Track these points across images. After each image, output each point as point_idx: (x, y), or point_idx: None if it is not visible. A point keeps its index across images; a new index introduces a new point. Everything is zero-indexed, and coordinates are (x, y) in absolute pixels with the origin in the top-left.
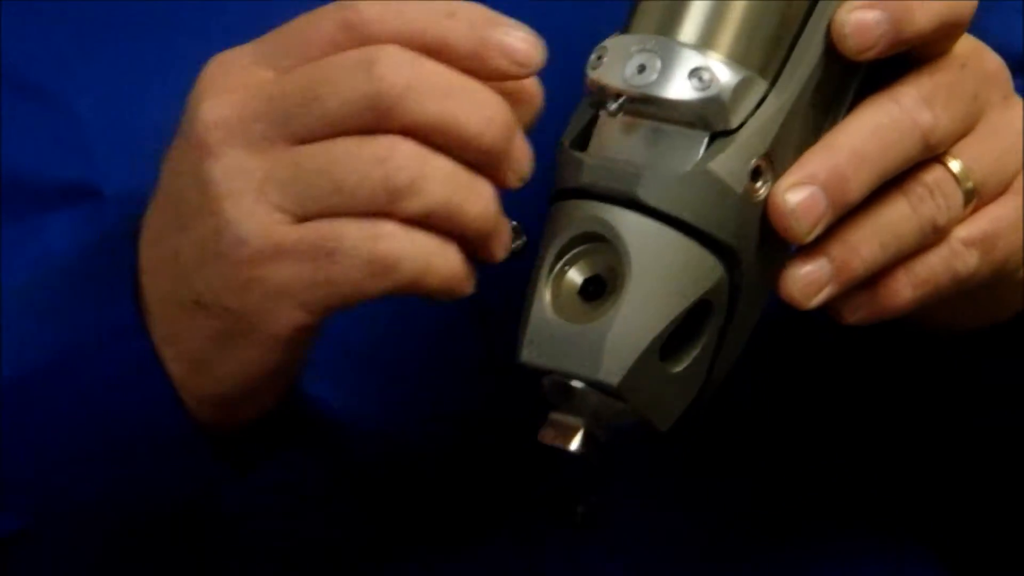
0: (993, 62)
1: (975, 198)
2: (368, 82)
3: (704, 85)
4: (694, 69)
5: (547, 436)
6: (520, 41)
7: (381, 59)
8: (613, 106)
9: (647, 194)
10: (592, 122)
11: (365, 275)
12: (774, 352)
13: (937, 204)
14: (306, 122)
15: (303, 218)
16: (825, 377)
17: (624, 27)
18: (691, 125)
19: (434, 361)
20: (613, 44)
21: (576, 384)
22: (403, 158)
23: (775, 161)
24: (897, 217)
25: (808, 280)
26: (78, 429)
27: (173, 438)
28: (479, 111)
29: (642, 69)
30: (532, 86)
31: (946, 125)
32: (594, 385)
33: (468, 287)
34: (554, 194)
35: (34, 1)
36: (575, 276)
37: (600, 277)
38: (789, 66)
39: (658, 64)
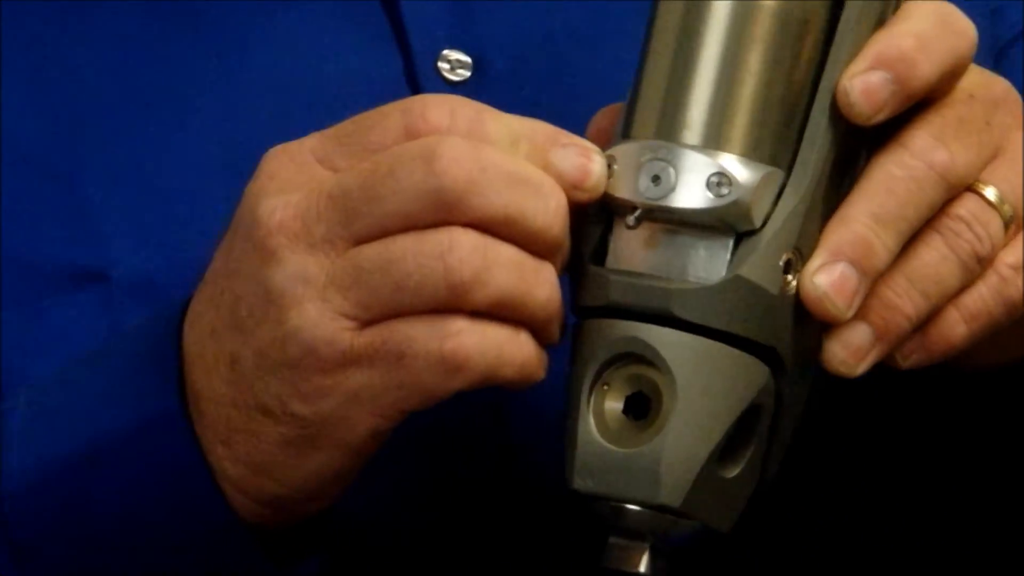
0: (1000, 86)
1: (1014, 221)
2: (429, 177)
3: (723, 191)
4: (711, 175)
5: (612, 561)
6: (574, 168)
7: (442, 152)
8: (631, 219)
9: (682, 309)
10: (606, 232)
11: (437, 375)
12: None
13: (976, 235)
14: (368, 222)
15: (369, 321)
16: (869, 441)
17: (624, 129)
18: (714, 230)
19: (449, 454)
20: (621, 153)
21: (635, 507)
22: (464, 250)
23: (803, 249)
24: (935, 259)
25: (850, 351)
26: (117, 520)
27: (218, 537)
28: (545, 203)
29: (656, 180)
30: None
31: (964, 159)
32: (656, 508)
33: (542, 372)
34: (580, 310)
35: (41, 72)
36: (616, 396)
37: (643, 395)
38: (803, 149)
39: (672, 174)
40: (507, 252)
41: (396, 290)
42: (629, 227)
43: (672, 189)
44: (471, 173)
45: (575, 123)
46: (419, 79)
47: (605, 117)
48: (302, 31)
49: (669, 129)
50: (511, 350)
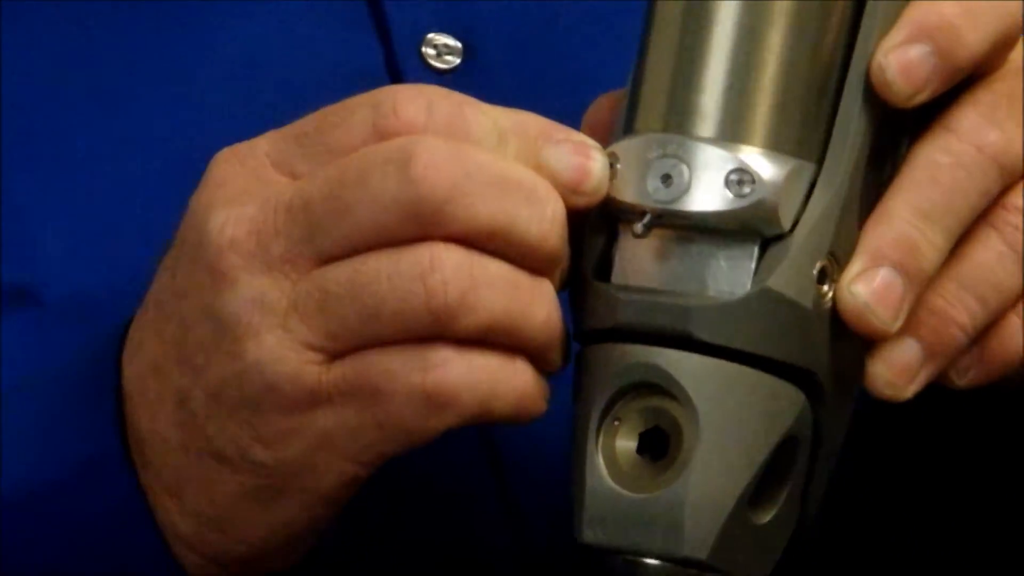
0: None
1: None
2: (405, 185)
3: (744, 189)
4: (731, 172)
5: None
6: (571, 168)
7: (419, 155)
8: (639, 226)
9: (702, 329)
10: (610, 242)
11: (420, 413)
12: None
13: None
14: (334, 238)
15: (338, 352)
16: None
17: (627, 123)
18: (736, 235)
19: (443, 501)
20: (624, 150)
21: (654, 561)
22: (448, 269)
23: (839, 254)
24: (991, 259)
25: (897, 370)
26: (59, 564)
27: None
28: (539, 210)
29: (667, 179)
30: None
31: (1020, 141)
32: (679, 562)
33: (543, 404)
34: (583, 335)
35: None
36: (629, 433)
37: (659, 431)
38: (834, 138)
39: (685, 172)
40: (497, 269)
41: (370, 317)
42: (637, 235)
43: (686, 190)
44: (452, 178)
45: (579, 117)
46: (401, 67)
47: (603, 108)
48: (266, 15)
49: (680, 120)
50: (505, 381)
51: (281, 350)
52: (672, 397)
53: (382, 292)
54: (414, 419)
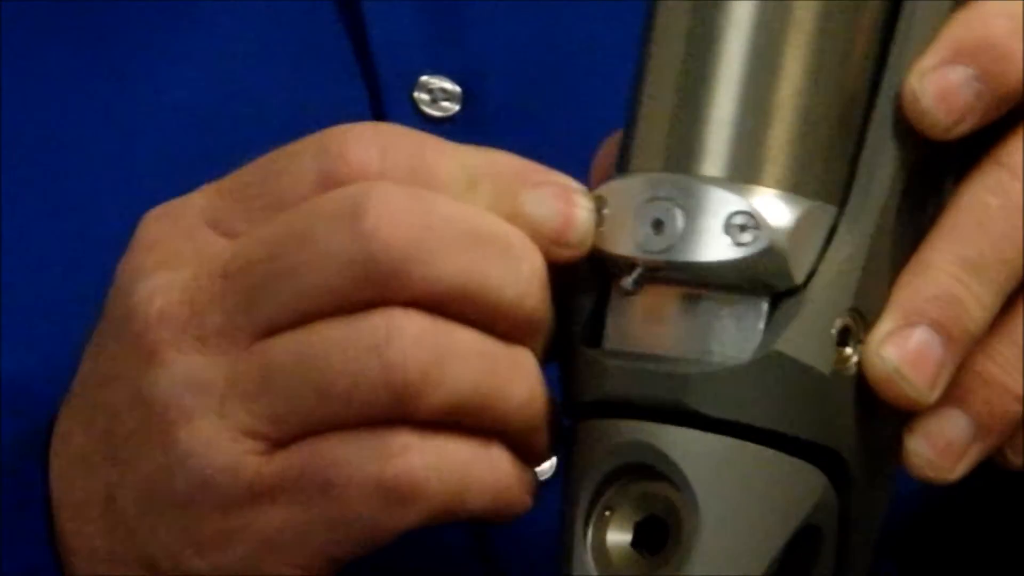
0: None
1: None
2: (356, 242)
3: (745, 237)
4: (731, 216)
5: None
6: (552, 216)
7: (370, 207)
8: (629, 281)
9: (702, 401)
10: (602, 299)
11: (379, 509)
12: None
13: None
14: (277, 304)
15: (282, 440)
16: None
17: (621, 161)
18: (742, 290)
19: None
20: (613, 192)
21: None
22: (410, 340)
23: (865, 310)
24: None
25: (940, 448)
26: None
27: None
28: (514, 267)
29: (659, 226)
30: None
31: None
32: None
33: (527, 498)
34: (572, 409)
35: None
36: (622, 523)
37: (656, 519)
38: (860, 175)
39: (679, 217)
40: (466, 338)
41: (318, 397)
42: (627, 292)
43: (679, 238)
44: (412, 234)
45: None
46: (389, 115)
47: (613, 149)
48: (232, 58)
49: (680, 158)
50: (479, 471)
51: (216, 438)
52: (669, 481)
53: (333, 367)
54: (371, 517)
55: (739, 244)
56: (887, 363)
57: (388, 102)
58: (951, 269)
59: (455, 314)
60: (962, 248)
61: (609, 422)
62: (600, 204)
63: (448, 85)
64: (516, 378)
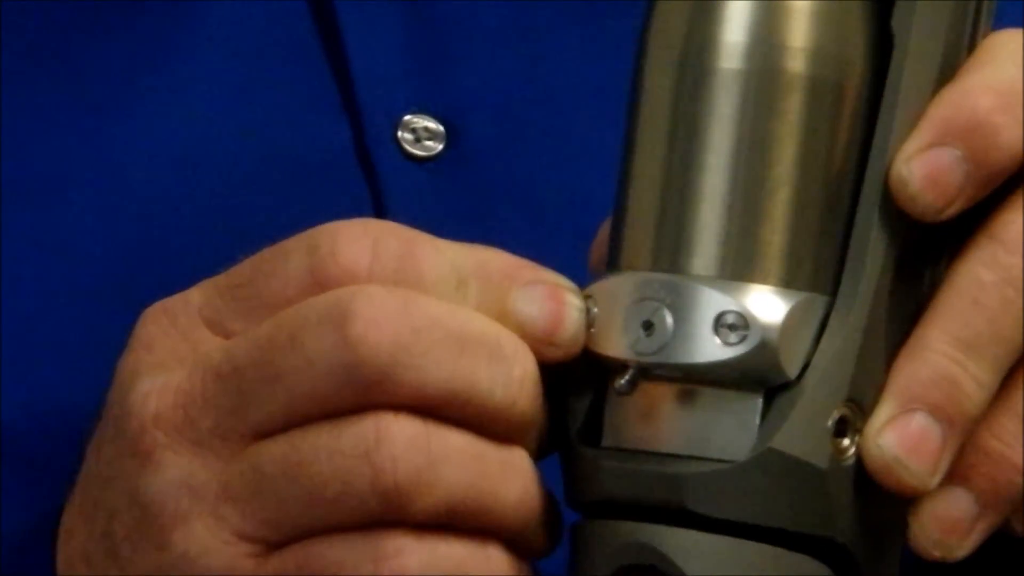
0: None
1: None
2: (342, 348)
3: (738, 335)
4: (720, 315)
5: None
6: (542, 315)
7: (356, 310)
8: (622, 383)
9: (699, 501)
10: (599, 397)
11: None
12: None
13: None
14: (268, 410)
15: (277, 543)
16: None
17: (611, 257)
18: (737, 387)
19: None
20: (602, 292)
21: None
22: (398, 445)
23: (861, 399)
24: None
25: (946, 526)
26: None
27: None
28: (505, 369)
29: (649, 327)
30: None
31: None
32: None
33: None
34: (574, 506)
35: None
36: None
37: None
38: (850, 262)
39: (668, 318)
40: (458, 441)
41: (310, 502)
42: (621, 393)
43: (669, 339)
44: (398, 338)
45: (577, 209)
46: (373, 154)
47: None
48: (211, 96)
49: (669, 257)
50: (475, 571)
51: (211, 540)
52: None
53: (322, 473)
54: None
55: (729, 344)
56: (886, 452)
57: (372, 141)
58: (947, 350)
59: (446, 417)
60: (958, 328)
61: (610, 522)
62: (591, 304)
63: (432, 124)
64: (509, 479)
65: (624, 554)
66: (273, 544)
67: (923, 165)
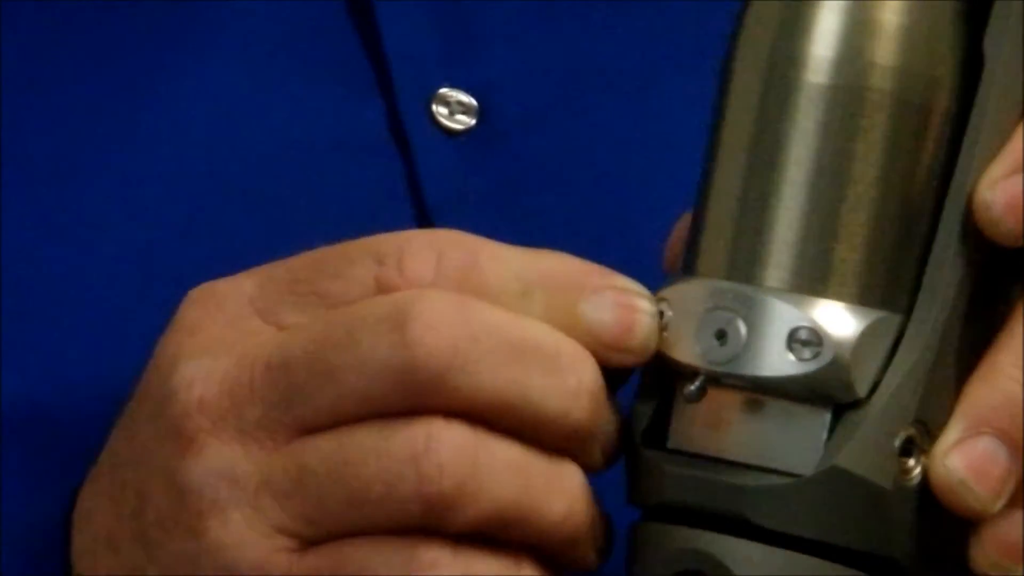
0: None
1: None
2: (399, 350)
3: (806, 353)
4: (794, 330)
5: None
6: (613, 323)
7: (417, 315)
8: (691, 389)
9: (760, 514)
10: (666, 401)
11: None
12: None
13: None
14: (317, 405)
15: (314, 539)
16: None
17: (687, 261)
18: (805, 401)
19: None
20: (676, 297)
21: None
22: (446, 452)
23: (930, 421)
24: None
25: (1005, 550)
26: None
27: None
28: (560, 379)
29: (722, 336)
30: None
31: None
32: None
33: None
34: (636, 508)
35: None
36: None
37: None
38: (926, 284)
39: (742, 329)
40: (506, 452)
41: (352, 502)
42: (689, 400)
43: (741, 350)
44: (455, 343)
45: (609, 187)
46: (407, 129)
47: (684, 232)
48: (244, 73)
49: (745, 266)
50: None
51: (248, 532)
52: None
53: (368, 474)
54: None
55: (801, 359)
56: (952, 474)
57: (406, 115)
58: (1018, 376)
59: (497, 425)
60: None
61: (669, 527)
62: (664, 307)
63: (465, 98)
64: (555, 493)
65: (681, 559)
66: (309, 541)
67: (1007, 190)
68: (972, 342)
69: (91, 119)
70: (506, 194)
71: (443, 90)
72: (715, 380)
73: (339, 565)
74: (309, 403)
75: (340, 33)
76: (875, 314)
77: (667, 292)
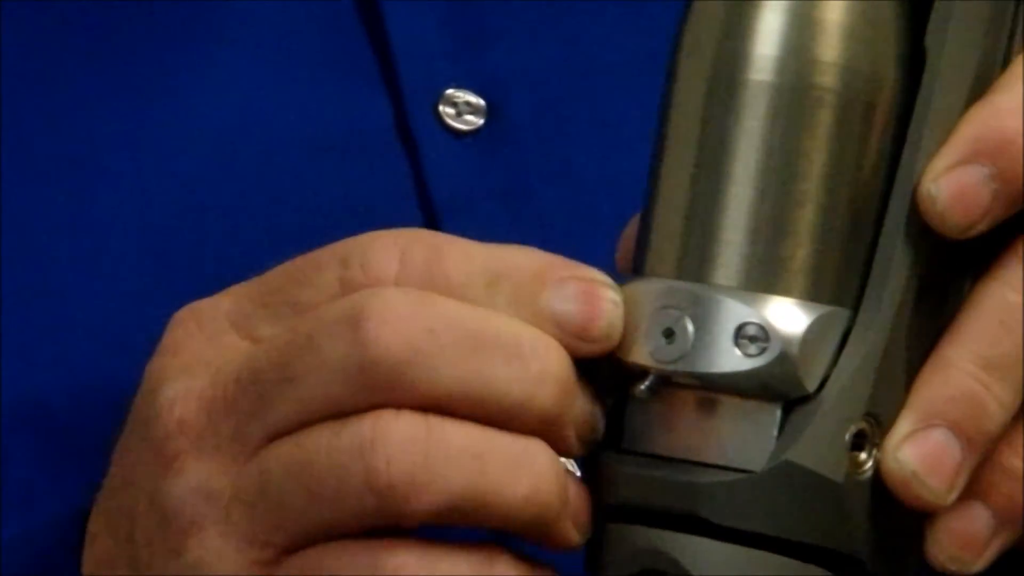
0: None
1: None
2: (355, 347)
3: (758, 346)
4: (741, 327)
5: None
6: (577, 312)
7: (371, 312)
8: (642, 388)
9: (713, 511)
10: (621, 402)
11: None
12: None
13: None
14: (284, 411)
15: (287, 548)
16: None
17: (636, 261)
18: (756, 397)
19: None
20: (626, 297)
21: None
22: (395, 444)
23: (881, 414)
24: None
25: (962, 541)
26: None
27: None
28: (521, 367)
29: (670, 335)
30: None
31: None
32: None
33: None
34: (596, 509)
35: None
36: None
37: None
38: (873, 277)
39: (689, 327)
40: (458, 439)
41: (309, 503)
42: (640, 399)
43: (690, 348)
44: (411, 338)
45: (619, 185)
46: (414, 129)
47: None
48: (250, 73)
49: (694, 265)
50: None
51: (224, 547)
52: None
53: (320, 471)
54: None
55: (749, 355)
56: (904, 467)
57: (413, 116)
58: (970, 368)
59: (459, 415)
60: (982, 347)
61: (626, 527)
62: None
63: (473, 98)
64: (517, 474)
65: (638, 559)
66: (283, 549)
67: (951, 183)
68: (923, 335)
69: (96, 116)
70: (514, 194)
71: (450, 90)
72: (666, 379)
73: (310, 571)
74: (277, 411)
75: (348, 32)
76: (823, 309)
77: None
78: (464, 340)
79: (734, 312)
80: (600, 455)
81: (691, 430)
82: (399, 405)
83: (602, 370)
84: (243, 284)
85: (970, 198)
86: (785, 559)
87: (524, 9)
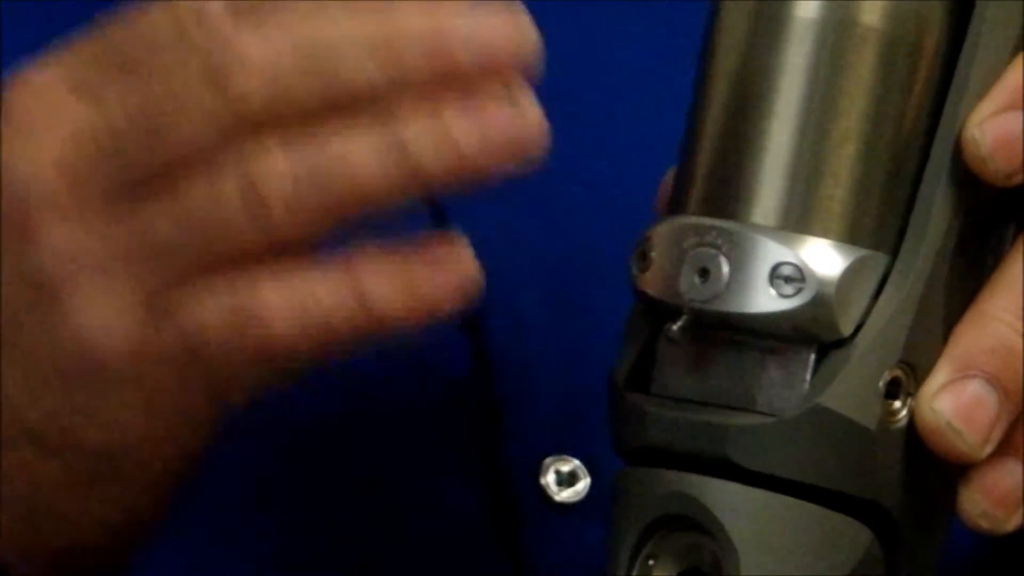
0: None
1: None
2: (220, 100)
3: (788, 289)
4: (777, 266)
5: None
6: (485, 25)
7: (232, 62)
8: (674, 329)
9: (743, 454)
10: (650, 342)
11: (227, 338)
12: None
13: None
14: (151, 166)
15: (163, 306)
16: None
17: (674, 200)
18: (789, 340)
19: None
20: (660, 235)
21: None
22: (272, 175)
23: (916, 363)
24: None
25: (994, 499)
26: None
27: None
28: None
29: (704, 274)
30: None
31: None
32: None
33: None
34: (620, 453)
35: None
36: (665, 572)
37: (699, 571)
38: (913, 223)
39: (724, 266)
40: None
41: (201, 252)
42: (671, 339)
43: (724, 287)
44: (273, 73)
45: (623, 181)
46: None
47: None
48: None
49: (730, 203)
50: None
51: (101, 310)
52: (714, 535)
53: (205, 218)
54: (221, 352)
55: (784, 295)
56: (939, 416)
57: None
58: (1010, 319)
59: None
60: (1022, 297)
61: (652, 471)
62: (647, 246)
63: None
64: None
65: (665, 503)
66: (162, 308)
67: (996, 128)
68: (963, 284)
69: None
70: (519, 189)
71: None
72: (698, 320)
73: (189, 320)
74: (142, 168)
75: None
76: (861, 252)
77: (651, 231)
78: (315, 55)
79: (770, 252)
80: (628, 398)
81: (722, 373)
82: (269, 137)
83: (632, 315)
84: (70, 49)
85: (1015, 144)
86: (812, 506)
87: (536, 7)
